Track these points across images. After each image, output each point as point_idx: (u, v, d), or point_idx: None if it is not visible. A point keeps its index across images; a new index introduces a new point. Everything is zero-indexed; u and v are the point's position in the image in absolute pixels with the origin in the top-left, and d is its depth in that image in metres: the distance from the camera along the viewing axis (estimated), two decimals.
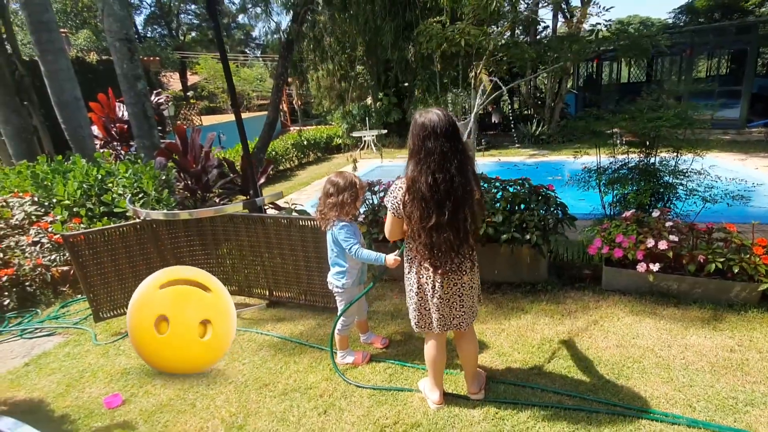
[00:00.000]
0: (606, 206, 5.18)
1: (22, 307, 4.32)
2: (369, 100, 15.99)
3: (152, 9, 30.13)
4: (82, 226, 4.80)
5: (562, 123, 13.38)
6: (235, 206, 3.70)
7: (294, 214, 4.64)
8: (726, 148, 9.95)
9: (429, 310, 2.25)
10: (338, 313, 2.85)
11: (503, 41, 4.32)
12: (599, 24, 4.33)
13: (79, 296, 4.52)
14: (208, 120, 18.50)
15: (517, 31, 14.06)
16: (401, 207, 2.08)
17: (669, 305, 3.34)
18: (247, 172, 5.76)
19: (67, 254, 4.61)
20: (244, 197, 6.11)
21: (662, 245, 3.24)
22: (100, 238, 3.59)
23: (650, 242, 3.29)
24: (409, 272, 2.28)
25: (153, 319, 2.17)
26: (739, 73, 14.39)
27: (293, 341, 3.30)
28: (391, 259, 2.53)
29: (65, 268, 4.62)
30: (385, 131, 15.01)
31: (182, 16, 32.34)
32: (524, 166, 11.28)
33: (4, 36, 8.24)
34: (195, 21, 33.34)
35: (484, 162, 11.19)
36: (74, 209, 4.92)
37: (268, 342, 3.33)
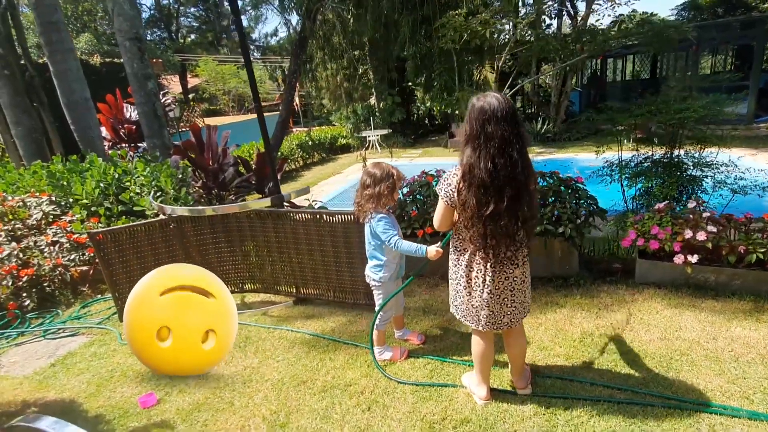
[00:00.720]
0: (628, 200, 5.12)
1: (41, 308, 4.25)
2: (373, 100, 15.93)
3: (152, 12, 30.09)
4: (100, 225, 4.73)
5: (577, 119, 13.29)
6: (262, 202, 3.64)
7: (305, 209, 4.57)
8: (735, 143, 9.91)
9: (477, 307, 2.18)
10: (377, 308, 2.78)
11: (530, 33, 4.27)
12: (622, 15, 4.27)
13: (99, 296, 4.45)
14: (209, 122, 18.45)
15: (520, 29, 14.02)
16: (455, 195, 2.01)
17: (707, 297, 3.28)
18: (263, 170, 5.72)
19: (86, 254, 4.58)
20: (260, 195, 6.06)
21: (701, 236, 3.19)
22: (126, 235, 3.54)
23: (688, 233, 3.23)
24: (456, 264, 2.21)
25: (155, 329, 2.10)
26: (744, 69, 14.36)
27: (327, 338, 3.23)
28: (432, 250, 2.47)
29: (84, 267, 4.56)
30: (390, 131, 14.95)
31: (182, 18, 32.33)
32: (533, 162, 11.19)
33: (15, 37, 8.19)
34: (195, 24, 33.35)
35: None
36: (92, 208, 4.86)
37: (300, 339, 3.27)
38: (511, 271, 2.10)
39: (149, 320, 2.09)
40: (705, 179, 4.50)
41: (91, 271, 4.58)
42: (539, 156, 11.69)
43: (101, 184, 4.94)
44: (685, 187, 4.56)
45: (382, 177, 2.57)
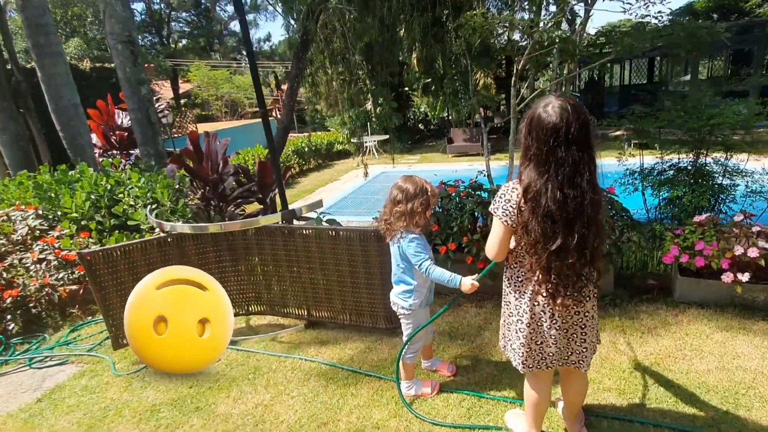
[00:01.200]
0: (650, 210, 4.88)
1: (27, 332, 3.89)
2: (369, 105, 15.68)
3: (143, 17, 29.72)
4: (91, 240, 4.39)
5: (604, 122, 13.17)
6: (271, 217, 3.33)
7: (324, 224, 4.27)
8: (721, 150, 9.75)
9: (542, 344, 1.88)
10: (405, 339, 2.48)
11: (556, 33, 4.04)
12: (648, 16, 4.05)
13: (90, 318, 4.11)
14: (201, 128, 18.09)
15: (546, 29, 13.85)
16: (516, 213, 1.72)
17: (756, 318, 3.03)
18: (266, 180, 5.41)
19: (76, 272, 4.23)
20: (261, 206, 5.74)
21: (752, 253, 2.94)
22: (120, 254, 3.20)
23: (738, 249, 2.98)
24: (517, 298, 1.89)
25: (151, 320, 2.27)
26: (740, 73, 14.39)
27: (346, 369, 2.91)
28: (468, 283, 2.18)
29: (74, 287, 4.21)
30: (388, 136, 14.70)
31: (173, 23, 31.99)
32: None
33: (1, 41, 7.83)
34: (186, 29, 33.00)
35: (493, 166, 10.94)
36: (82, 222, 4.51)
37: (315, 370, 2.95)
38: (582, 305, 1.81)
39: (146, 311, 2.26)
40: (736, 188, 4.28)
41: (81, 291, 4.24)
42: None
43: (92, 196, 4.60)
44: (715, 196, 4.33)
45: (415, 193, 2.27)
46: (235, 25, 36.51)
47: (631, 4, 3.58)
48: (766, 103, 4.76)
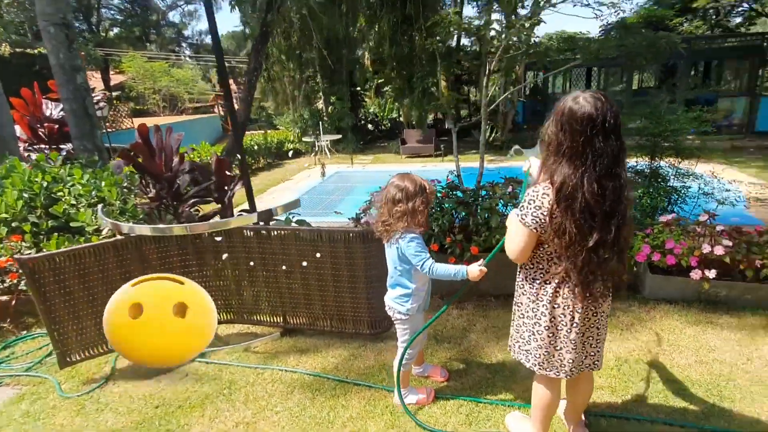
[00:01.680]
0: None
1: None
2: (320, 104, 15.40)
3: (71, 1, 27.34)
4: (25, 244, 3.88)
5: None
6: (246, 218, 3.08)
7: (293, 225, 4.05)
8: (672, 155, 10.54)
9: (561, 350, 1.82)
10: (402, 344, 2.36)
11: (536, 37, 4.09)
12: (610, 24, 4.23)
13: (25, 333, 3.61)
14: (137, 122, 16.92)
15: (466, 41, 14.20)
16: (548, 220, 1.63)
17: (720, 313, 3.21)
18: (224, 178, 5.08)
19: (7, 280, 3.73)
20: (218, 205, 5.38)
21: (719, 251, 3.10)
22: (69, 260, 2.82)
23: (706, 248, 3.14)
24: (535, 300, 1.82)
25: (127, 308, 2.14)
26: (671, 86, 15.63)
27: (332, 378, 2.73)
28: (476, 270, 2.10)
29: (3, 298, 3.70)
30: (341, 136, 14.50)
31: (103, 10, 29.73)
32: (486, 171, 11.29)
33: None
34: (118, 17, 30.83)
35: (447, 167, 11.09)
36: (13, 224, 3.97)
37: (298, 381, 2.75)
38: (600, 305, 1.78)
39: (122, 303, 2.13)
40: (688, 189, 4.56)
41: (13, 302, 3.72)
42: (491, 164, 11.78)
43: (25, 195, 4.07)
44: (668, 197, 4.58)
45: (415, 191, 2.16)
46: (173, 15, 34.70)
47: (600, 11, 3.69)
48: (710, 111, 5.13)
